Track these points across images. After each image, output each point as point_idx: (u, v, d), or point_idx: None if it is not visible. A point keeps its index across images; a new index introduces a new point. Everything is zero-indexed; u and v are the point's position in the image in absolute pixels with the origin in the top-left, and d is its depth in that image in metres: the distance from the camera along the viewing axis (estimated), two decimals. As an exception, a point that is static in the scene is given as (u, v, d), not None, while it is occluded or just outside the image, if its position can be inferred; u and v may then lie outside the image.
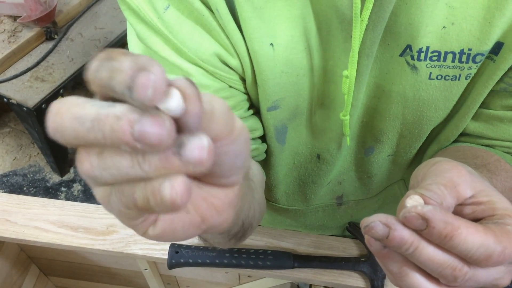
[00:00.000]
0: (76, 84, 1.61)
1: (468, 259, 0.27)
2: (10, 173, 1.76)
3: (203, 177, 0.25)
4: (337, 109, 0.50)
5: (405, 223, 0.28)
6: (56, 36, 1.63)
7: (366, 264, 0.64)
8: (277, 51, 0.45)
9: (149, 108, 0.18)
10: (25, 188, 1.72)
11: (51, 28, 1.62)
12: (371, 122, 0.53)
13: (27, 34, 1.59)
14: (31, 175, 1.76)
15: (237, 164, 0.24)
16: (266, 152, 0.58)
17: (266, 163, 0.61)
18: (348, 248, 0.69)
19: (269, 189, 0.67)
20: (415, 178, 0.35)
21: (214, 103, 0.22)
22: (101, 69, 0.18)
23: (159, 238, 0.25)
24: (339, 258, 0.65)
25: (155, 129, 0.18)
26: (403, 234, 0.28)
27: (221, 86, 0.47)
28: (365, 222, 0.29)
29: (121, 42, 1.75)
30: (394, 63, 0.45)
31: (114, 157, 0.20)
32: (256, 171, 0.49)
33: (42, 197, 1.68)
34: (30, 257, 0.97)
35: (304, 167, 0.61)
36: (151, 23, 0.43)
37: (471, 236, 0.27)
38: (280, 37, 0.44)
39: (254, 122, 0.52)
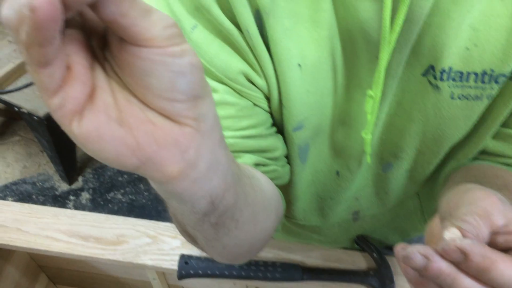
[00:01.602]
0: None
1: None
2: (20, 181, 1.77)
3: (142, 90, 0.25)
4: (358, 127, 0.51)
5: (444, 255, 0.29)
6: (66, 46, 1.66)
7: (374, 277, 0.64)
8: (304, 71, 0.46)
9: None
10: (34, 196, 1.73)
11: (62, 38, 1.65)
12: (390, 139, 0.54)
13: (38, 44, 1.62)
14: (40, 183, 1.78)
15: (179, 86, 0.24)
16: (291, 171, 0.58)
17: (290, 182, 0.61)
18: (357, 261, 0.69)
19: (286, 205, 0.67)
20: (447, 205, 0.35)
21: (157, 10, 0.23)
22: None
23: (84, 139, 0.24)
24: (348, 271, 0.65)
25: None
26: (441, 266, 0.29)
27: (246, 104, 0.48)
28: (402, 251, 0.30)
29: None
30: (416, 82, 0.46)
31: None
32: (265, 184, 0.49)
33: (51, 205, 1.70)
34: (39, 265, 0.98)
35: (323, 183, 0.62)
36: None
37: (508, 270, 0.28)
38: (307, 57, 0.45)
39: (275, 141, 0.53)
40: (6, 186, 1.76)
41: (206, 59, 0.45)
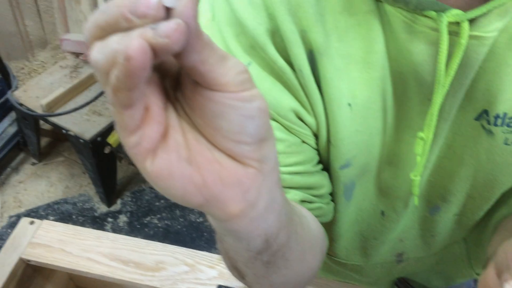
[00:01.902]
0: (129, 119, 1.68)
1: None
2: (61, 201, 1.83)
3: (211, 131, 0.26)
4: (406, 168, 0.51)
5: None
6: (114, 73, 1.72)
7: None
8: (354, 110, 0.46)
9: None
10: (74, 217, 1.78)
11: (110, 65, 1.71)
12: (439, 182, 0.53)
13: (87, 70, 1.69)
14: (81, 204, 1.82)
15: (247, 129, 0.25)
16: (335, 209, 0.58)
17: (333, 219, 0.61)
18: (396, 302, 0.67)
19: (328, 243, 0.67)
20: (503, 255, 0.34)
21: (232, 57, 0.25)
22: None
23: (155, 177, 0.25)
24: (388, 313, 0.64)
25: (145, 1, 0.21)
26: None
27: (295, 141, 0.49)
28: None
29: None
30: (469, 126, 0.46)
31: (111, 38, 0.22)
32: (312, 222, 0.49)
33: (90, 226, 1.73)
34: (77, 286, 1.00)
35: (367, 222, 0.61)
36: None
37: None
38: (358, 97, 0.46)
39: (321, 178, 0.53)
40: (48, 205, 1.81)
41: None
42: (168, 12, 0.22)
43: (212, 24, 0.47)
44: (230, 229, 0.29)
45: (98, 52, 0.22)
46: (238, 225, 0.29)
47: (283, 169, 0.49)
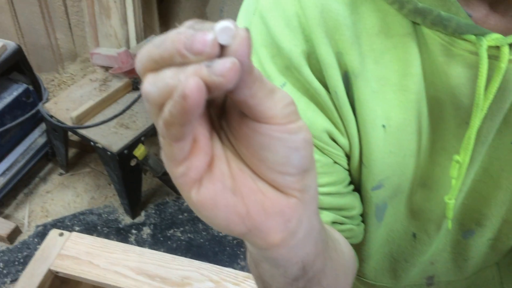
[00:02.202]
0: (155, 132, 1.70)
1: None
2: (87, 211, 1.85)
3: (256, 161, 0.26)
4: (440, 191, 0.50)
5: None
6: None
7: None
8: (388, 132, 0.46)
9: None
10: (99, 227, 1.80)
11: (138, 79, 1.74)
12: (474, 206, 0.52)
13: (116, 84, 1.72)
14: (106, 215, 1.85)
15: (292, 161, 0.26)
16: (365, 230, 0.58)
17: (363, 240, 0.60)
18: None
19: (358, 263, 0.66)
20: None
21: (279, 89, 0.25)
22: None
23: (200, 206, 0.25)
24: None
25: (201, 39, 0.22)
26: None
27: (327, 162, 0.49)
28: None
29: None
30: (506, 150, 0.45)
31: (164, 71, 0.23)
32: (344, 245, 0.48)
33: (114, 237, 1.75)
34: (103, 298, 1.01)
35: (398, 244, 0.60)
36: None
37: None
38: (392, 119, 0.46)
39: (352, 199, 0.53)
40: (74, 216, 1.84)
41: None
42: (222, 49, 0.23)
43: None
44: (268, 257, 0.29)
45: (151, 85, 0.23)
46: (277, 253, 0.29)
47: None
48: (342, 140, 0.48)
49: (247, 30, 0.23)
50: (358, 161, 0.50)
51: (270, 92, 0.25)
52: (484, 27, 0.39)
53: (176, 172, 0.25)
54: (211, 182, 0.25)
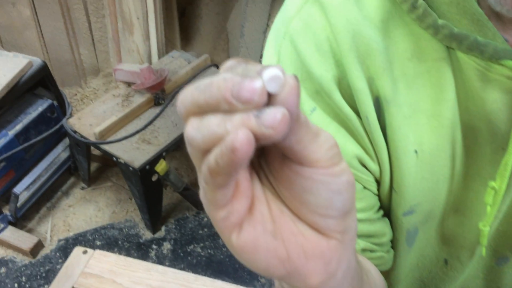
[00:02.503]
0: (177, 148, 1.70)
1: None
2: (108, 226, 1.86)
3: (297, 204, 0.25)
4: (474, 217, 0.49)
5: None
6: (163, 102, 1.76)
7: None
8: (420, 158, 0.45)
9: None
10: (120, 242, 1.81)
11: (160, 95, 1.76)
12: (509, 231, 0.51)
13: (138, 99, 1.73)
14: (126, 230, 1.85)
15: (335, 204, 0.25)
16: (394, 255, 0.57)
17: (393, 265, 0.59)
18: None
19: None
20: None
21: (322, 131, 0.24)
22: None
23: (240, 250, 0.25)
24: None
25: (249, 87, 0.21)
26: None
27: (358, 187, 0.48)
28: None
29: (221, 110, 1.84)
30: None
31: (209, 118, 0.23)
32: (376, 275, 0.47)
33: (135, 252, 1.76)
34: (125, 316, 1.00)
35: (429, 269, 0.59)
36: None
37: None
38: (425, 144, 0.45)
39: (383, 225, 0.52)
40: (96, 230, 1.85)
41: None
42: (269, 96, 0.22)
43: None
44: None
45: (195, 130, 0.23)
46: (309, 285, 0.28)
47: None
48: (373, 166, 0.47)
49: (296, 78, 0.22)
50: (388, 186, 0.49)
51: (315, 136, 0.24)
52: None
53: (217, 216, 0.24)
54: (252, 225, 0.25)
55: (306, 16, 0.45)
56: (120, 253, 1.75)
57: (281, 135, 0.21)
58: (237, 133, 0.21)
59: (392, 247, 0.55)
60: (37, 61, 1.73)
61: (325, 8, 0.44)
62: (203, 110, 0.23)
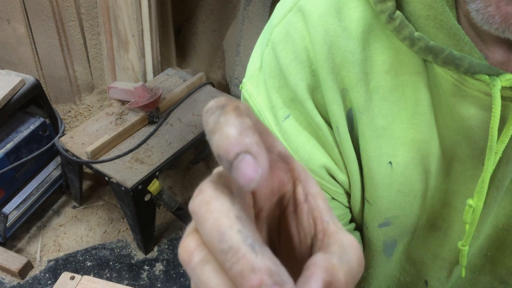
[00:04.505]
0: (171, 166, 1.68)
1: None
2: (99, 246, 1.83)
3: None
4: (453, 236, 0.48)
5: None
6: (157, 120, 1.75)
7: None
8: (395, 170, 0.45)
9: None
10: (111, 263, 1.77)
11: (154, 113, 1.74)
12: (497, 258, 0.49)
13: (132, 118, 1.72)
14: (118, 250, 1.82)
15: None
16: (370, 264, 0.56)
17: (368, 275, 0.58)
18: None
19: None
20: None
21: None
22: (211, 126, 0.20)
23: None
24: None
25: None
26: None
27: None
28: None
29: (215, 129, 1.83)
30: None
31: (213, 272, 0.20)
32: None
33: (126, 273, 1.72)
34: None
35: (411, 286, 0.58)
36: (270, 127, 0.48)
37: None
38: (400, 157, 0.45)
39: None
40: (86, 250, 1.81)
41: (292, 148, 0.47)
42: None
43: (259, 74, 0.49)
44: None
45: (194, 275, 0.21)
46: None
47: None
48: (341, 176, 0.48)
49: None
50: (360, 198, 0.49)
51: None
52: (499, 67, 0.37)
53: None
54: None
55: (287, 25, 0.46)
56: (111, 274, 1.72)
57: None
58: None
59: (369, 258, 0.55)
60: (30, 79, 1.71)
61: (306, 18, 0.44)
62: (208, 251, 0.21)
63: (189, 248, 0.22)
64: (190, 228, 0.23)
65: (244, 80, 0.51)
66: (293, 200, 0.25)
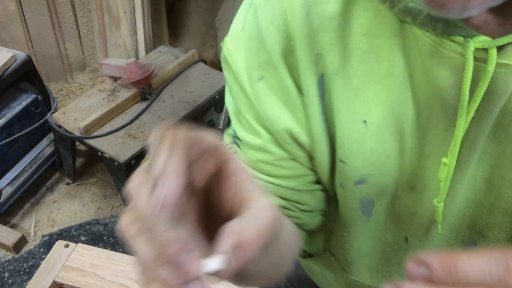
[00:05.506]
0: (163, 143, 1.70)
1: None
2: (93, 221, 1.85)
3: None
4: (431, 196, 0.50)
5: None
6: (149, 97, 1.75)
7: None
8: (369, 128, 0.47)
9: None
10: (105, 238, 1.79)
11: (146, 90, 1.75)
12: (475, 216, 0.51)
13: (124, 94, 1.72)
14: (112, 225, 1.84)
15: None
16: (349, 223, 0.58)
17: (349, 235, 0.60)
18: None
19: (352, 262, 0.66)
20: None
21: None
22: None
23: None
24: None
25: None
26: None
27: (284, 156, 0.52)
28: None
29: (208, 105, 1.84)
30: (507, 159, 0.44)
31: (143, 243, 0.29)
32: (291, 235, 0.52)
33: (120, 247, 1.74)
34: (108, 311, 1.00)
35: (391, 246, 0.60)
36: (243, 86, 0.50)
37: None
38: (373, 116, 0.46)
39: (308, 198, 0.55)
40: (80, 225, 1.83)
41: (261, 108, 0.50)
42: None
43: (240, 35, 0.51)
44: None
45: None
46: None
47: (270, 179, 0.52)
48: (304, 139, 0.50)
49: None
50: (328, 159, 0.51)
51: None
52: (474, 30, 0.38)
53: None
54: None
55: None
56: (105, 248, 1.74)
57: None
58: None
59: (348, 217, 0.57)
60: (21, 55, 1.71)
61: None
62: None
63: (125, 223, 0.29)
64: (129, 206, 0.30)
65: (226, 38, 0.53)
66: (223, 176, 0.32)
